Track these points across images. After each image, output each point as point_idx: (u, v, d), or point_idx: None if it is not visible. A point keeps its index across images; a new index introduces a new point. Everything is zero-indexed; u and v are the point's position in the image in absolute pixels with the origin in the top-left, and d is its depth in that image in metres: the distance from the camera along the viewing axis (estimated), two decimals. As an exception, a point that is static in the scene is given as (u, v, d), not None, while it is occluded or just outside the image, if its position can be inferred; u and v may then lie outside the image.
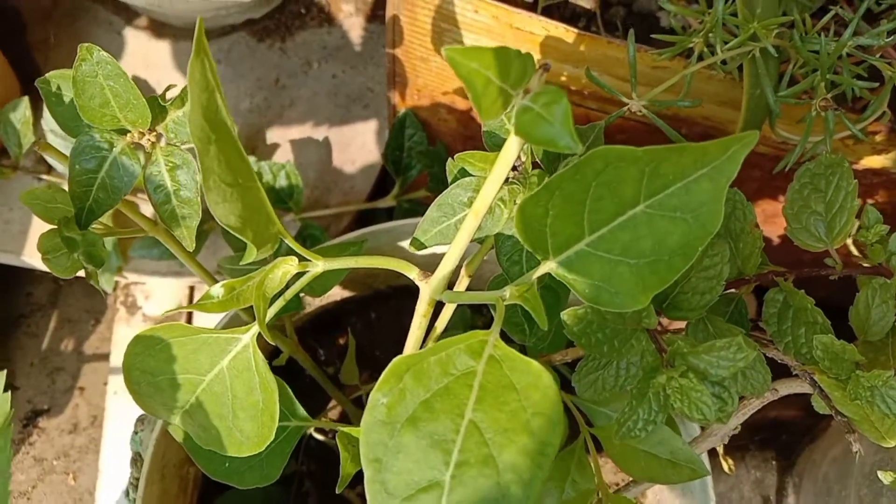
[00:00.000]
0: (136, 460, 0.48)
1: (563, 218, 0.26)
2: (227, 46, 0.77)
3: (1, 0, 0.77)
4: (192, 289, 0.81)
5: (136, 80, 0.76)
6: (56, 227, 0.36)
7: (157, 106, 0.33)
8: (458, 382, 0.25)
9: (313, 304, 0.60)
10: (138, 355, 0.29)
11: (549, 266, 0.27)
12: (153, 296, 0.81)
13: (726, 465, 0.56)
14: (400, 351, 0.61)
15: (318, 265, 0.30)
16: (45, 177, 0.72)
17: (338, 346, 0.62)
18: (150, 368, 0.30)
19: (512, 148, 0.25)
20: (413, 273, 0.32)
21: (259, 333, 0.30)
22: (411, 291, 0.63)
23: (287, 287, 0.31)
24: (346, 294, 0.61)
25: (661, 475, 0.38)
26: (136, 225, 0.38)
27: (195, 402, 0.30)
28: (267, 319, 0.30)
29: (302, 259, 0.30)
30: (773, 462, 0.62)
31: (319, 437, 0.56)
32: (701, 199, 0.25)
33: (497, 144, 0.34)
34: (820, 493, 0.52)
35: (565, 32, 0.50)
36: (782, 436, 0.65)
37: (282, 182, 0.68)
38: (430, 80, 0.61)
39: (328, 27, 0.79)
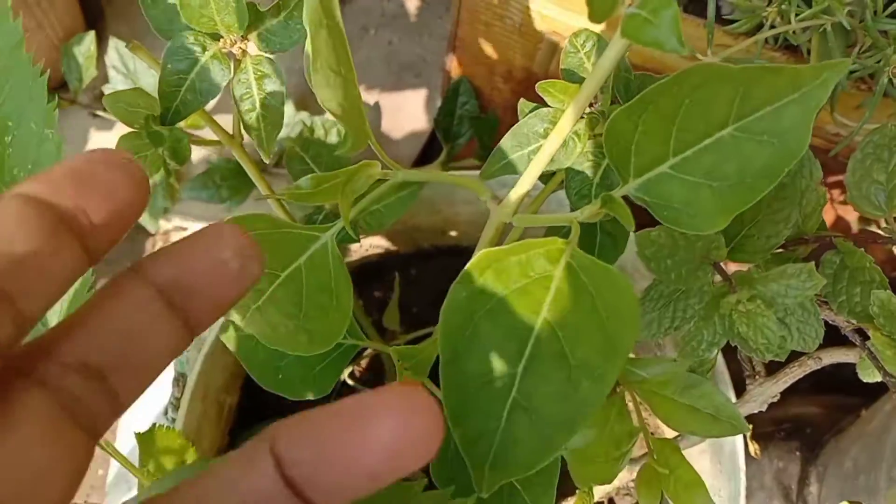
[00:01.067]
0: (179, 380, 0.49)
1: (651, 136, 0.27)
2: (287, 5, 0.78)
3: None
4: (230, 240, 0.82)
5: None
6: (135, 130, 0.37)
7: (254, 13, 0.34)
8: (536, 284, 0.26)
9: (356, 253, 0.61)
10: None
11: (627, 189, 0.28)
12: (192, 244, 0.82)
13: (753, 448, 0.56)
14: (438, 308, 0.62)
15: (399, 174, 0.31)
16: (100, 113, 0.74)
17: (376, 300, 0.62)
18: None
19: (608, 61, 0.26)
20: (486, 195, 0.32)
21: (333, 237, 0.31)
22: (454, 252, 0.64)
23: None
24: (390, 248, 0.62)
25: (702, 429, 0.38)
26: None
27: (268, 299, 0.31)
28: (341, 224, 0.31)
29: (383, 168, 0.31)
30: (797, 453, 0.62)
31: (351, 382, 0.57)
32: (789, 124, 0.25)
33: (577, 81, 0.35)
34: (847, 478, 0.53)
35: (634, 2, 0.51)
36: (806, 429, 0.65)
37: (332, 139, 0.70)
38: (491, 47, 0.62)
39: (385, -9, 0.80)
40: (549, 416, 0.24)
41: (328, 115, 0.78)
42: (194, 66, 0.34)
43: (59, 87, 0.75)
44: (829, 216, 0.68)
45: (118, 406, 0.17)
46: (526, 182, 0.30)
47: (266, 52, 0.35)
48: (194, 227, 0.79)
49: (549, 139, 0.29)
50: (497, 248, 0.26)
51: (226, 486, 0.15)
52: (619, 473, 0.35)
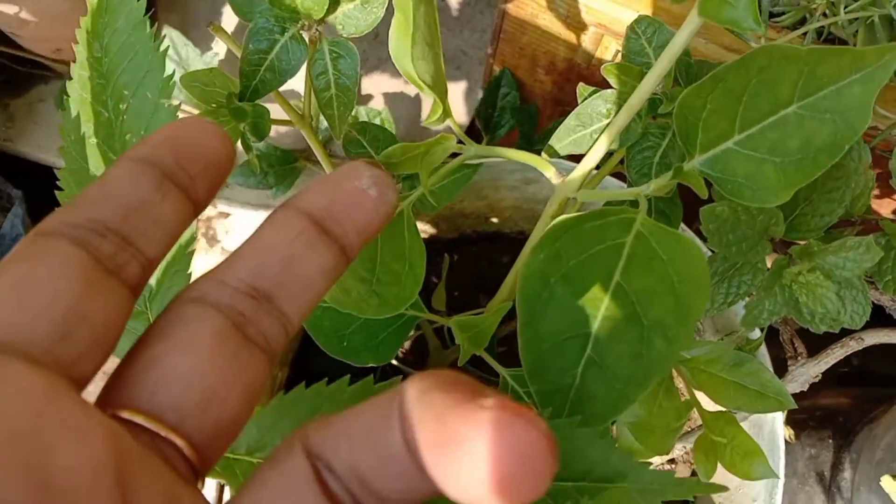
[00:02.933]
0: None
1: (718, 113, 0.28)
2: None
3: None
4: (272, 226, 0.84)
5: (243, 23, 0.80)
6: (210, 108, 0.39)
7: (332, -4, 0.36)
8: (609, 250, 0.27)
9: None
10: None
11: (693, 164, 0.30)
12: (233, 230, 0.85)
13: (787, 433, 0.57)
14: (479, 292, 0.63)
15: (472, 149, 0.33)
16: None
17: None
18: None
19: (681, 39, 0.27)
20: (550, 171, 0.34)
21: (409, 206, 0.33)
22: (495, 238, 0.65)
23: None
24: (434, 233, 0.64)
25: (749, 404, 0.40)
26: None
27: (343, 264, 0.33)
28: (415, 195, 0.33)
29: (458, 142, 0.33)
30: (830, 440, 0.64)
31: (395, 362, 0.59)
32: (851, 102, 0.27)
33: (638, 64, 0.36)
34: (880, 464, 0.54)
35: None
36: (839, 418, 0.66)
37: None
38: (535, 38, 0.64)
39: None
40: (623, 373, 0.26)
41: (371, 105, 0.80)
42: (274, 46, 0.36)
43: (111, 75, 0.77)
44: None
45: (289, 326, 0.18)
46: (592, 158, 0.32)
47: (342, 33, 0.37)
48: (238, 212, 0.82)
49: (617, 118, 0.30)
50: (572, 215, 0.27)
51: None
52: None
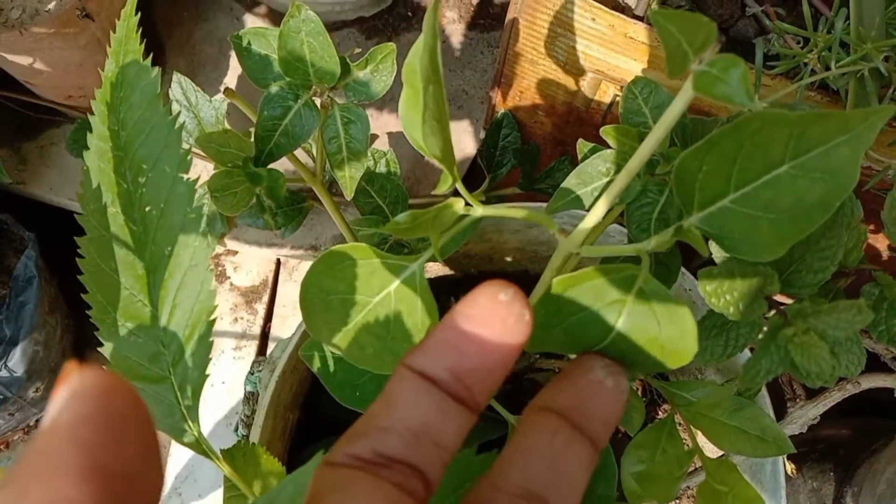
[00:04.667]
0: (249, 399, 0.52)
1: (714, 174, 0.30)
2: (337, 41, 0.82)
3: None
4: (278, 262, 0.86)
5: (251, 64, 0.82)
6: (226, 169, 0.41)
7: (343, 65, 0.37)
8: (609, 306, 0.29)
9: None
10: (319, 273, 0.34)
11: (690, 221, 0.31)
12: (242, 267, 0.86)
13: (789, 467, 0.58)
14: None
15: (478, 210, 0.34)
16: (161, 144, 0.78)
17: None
18: (326, 287, 0.34)
19: (677, 108, 0.29)
20: (554, 227, 0.36)
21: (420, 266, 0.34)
22: (499, 277, 0.67)
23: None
24: (440, 273, 0.65)
25: (750, 449, 0.41)
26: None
27: (359, 322, 0.34)
28: (426, 257, 0.34)
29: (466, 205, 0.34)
30: (831, 473, 0.64)
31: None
32: (839, 162, 0.28)
33: (635, 124, 0.38)
34: (882, 498, 0.55)
35: (676, 44, 0.54)
36: (840, 451, 0.67)
37: (381, 168, 0.73)
38: (535, 82, 0.66)
39: (431, 31, 0.84)
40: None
41: (377, 144, 0.82)
42: (288, 112, 0.37)
43: (121, 119, 0.79)
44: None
45: None
46: (594, 216, 0.33)
47: (353, 100, 0.38)
48: (246, 250, 0.83)
49: (617, 179, 0.32)
50: (574, 273, 0.29)
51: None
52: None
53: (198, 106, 0.73)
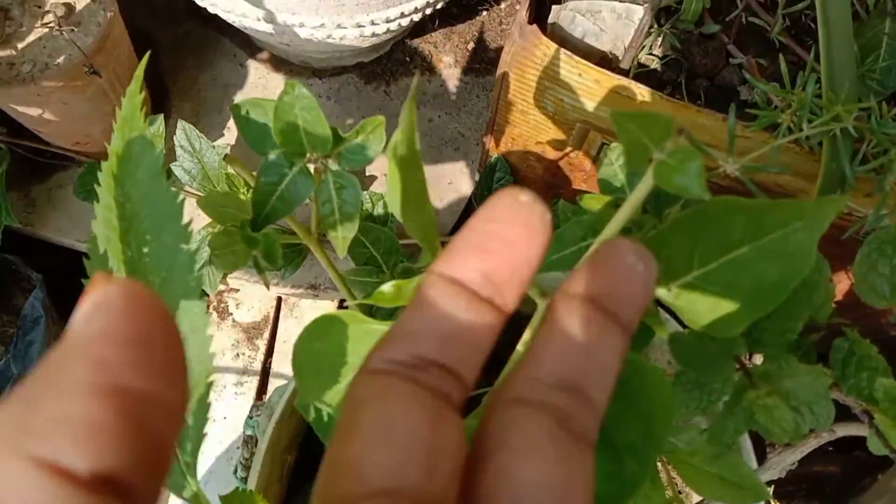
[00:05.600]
0: (248, 442, 0.54)
1: (677, 253, 0.32)
2: (337, 86, 0.85)
3: (140, 29, 0.86)
4: (279, 299, 0.88)
5: (253, 108, 0.84)
6: (224, 227, 0.43)
7: (335, 136, 0.39)
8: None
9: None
10: (310, 337, 0.36)
11: (659, 294, 0.33)
12: (244, 304, 0.88)
13: (775, 507, 0.60)
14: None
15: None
16: (166, 187, 0.80)
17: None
18: (317, 350, 0.36)
19: (641, 192, 0.31)
20: (534, 290, 0.37)
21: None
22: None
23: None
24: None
25: (728, 496, 0.43)
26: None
27: (349, 382, 0.36)
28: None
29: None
30: (819, 512, 0.66)
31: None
32: (795, 247, 0.30)
33: (610, 190, 0.40)
34: (865, 540, 0.56)
35: (659, 99, 0.56)
36: (826, 488, 0.68)
37: (379, 210, 0.75)
38: (526, 130, 0.68)
39: (429, 75, 0.87)
40: (601, 492, 0.29)
41: (374, 186, 0.84)
42: (283, 179, 0.39)
43: (127, 162, 0.81)
44: (843, 284, 0.72)
45: (599, 415, 0.18)
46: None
47: (344, 167, 0.40)
48: (247, 287, 0.85)
49: (594, 244, 0.34)
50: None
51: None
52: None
53: (201, 151, 0.75)
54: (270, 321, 0.87)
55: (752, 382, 0.33)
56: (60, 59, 0.64)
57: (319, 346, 0.36)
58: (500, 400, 0.18)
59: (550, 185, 0.74)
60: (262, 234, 0.39)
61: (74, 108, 0.68)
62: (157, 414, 0.14)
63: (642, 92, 0.57)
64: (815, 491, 0.67)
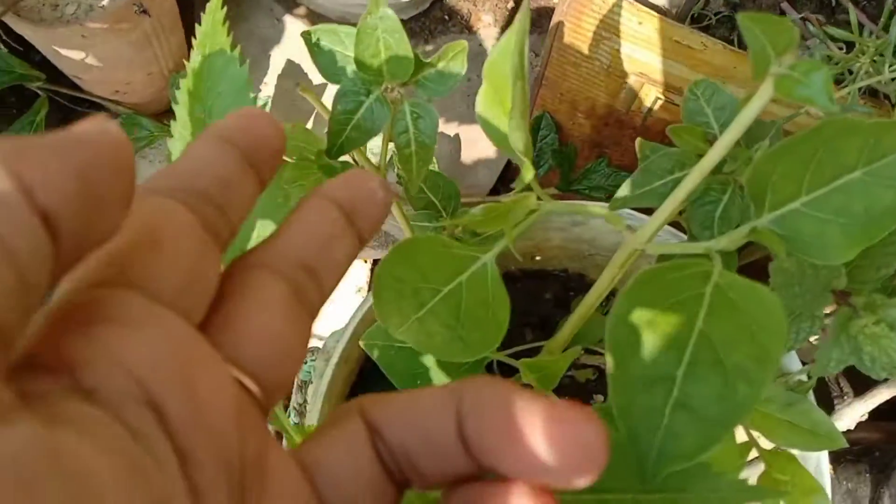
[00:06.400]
0: (302, 387, 0.53)
1: (787, 177, 0.31)
2: (375, 41, 0.84)
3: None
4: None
5: (291, 63, 0.83)
6: (294, 160, 0.42)
7: (416, 62, 0.38)
8: (690, 300, 0.30)
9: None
10: (392, 263, 0.35)
11: (761, 222, 0.32)
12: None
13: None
14: (524, 327, 0.65)
15: (547, 205, 0.35)
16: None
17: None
18: (399, 275, 0.35)
19: (750, 113, 0.30)
20: (621, 225, 0.37)
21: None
22: (538, 276, 0.68)
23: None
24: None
25: (801, 443, 0.42)
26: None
27: (429, 311, 0.35)
28: (500, 249, 0.35)
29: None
30: (867, 475, 0.65)
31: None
32: (913, 170, 0.29)
33: (697, 124, 0.39)
34: (921, 499, 0.55)
35: (722, 49, 0.55)
36: (875, 452, 0.67)
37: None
38: (576, 84, 0.67)
39: (467, 34, 0.85)
40: (709, 414, 0.28)
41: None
42: (360, 107, 0.38)
43: (164, 113, 0.80)
44: None
45: (323, 298, 0.20)
46: (662, 214, 0.34)
47: (423, 96, 0.39)
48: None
49: (688, 179, 0.33)
50: (654, 266, 0.30)
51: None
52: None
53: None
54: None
55: (857, 312, 0.32)
56: (105, 1, 0.63)
57: (401, 271, 0.35)
58: (243, 263, 0.19)
59: (596, 144, 0.73)
60: (341, 163, 0.38)
61: (117, 52, 0.67)
62: (108, 171, 0.14)
63: (704, 41, 0.56)
64: (863, 455, 0.66)
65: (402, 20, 0.84)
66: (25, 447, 0.12)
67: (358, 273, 0.89)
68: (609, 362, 0.29)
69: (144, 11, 0.60)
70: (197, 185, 0.18)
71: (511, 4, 0.87)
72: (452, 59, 0.38)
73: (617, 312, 0.29)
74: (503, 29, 0.86)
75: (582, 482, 0.16)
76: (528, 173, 0.31)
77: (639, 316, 0.29)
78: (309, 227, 0.20)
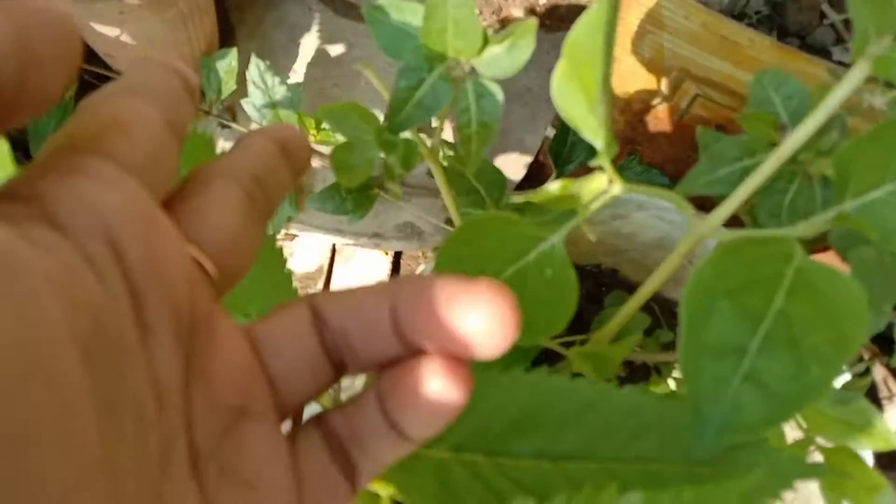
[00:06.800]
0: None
1: (871, 164, 0.30)
2: (405, 32, 0.83)
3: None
4: (333, 248, 0.86)
5: (321, 51, 0.82)
6: (346, 140, 0.41)
7: (483, 39, 0.38)
8: (771, 278, 0.29)
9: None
10: (456, 242, 0.34)
11: (841, 208, 0.31)
12: (297, 254, 0.86)
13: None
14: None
15: (616, 187, 0.34)
16: (230, 124, 0.78)
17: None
18: (462, 255, 0.34)
19: (837, 99, 0.29)
20: (689, 210, 0.36)
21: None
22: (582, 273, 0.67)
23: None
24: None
25: (856, 441, 0.41)
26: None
27: (493, 291, 0.34)
28: (567, 230, 0.34)
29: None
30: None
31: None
32: None
33: (766, 112, 0.38)
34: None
35: (769, 45, 0.55)
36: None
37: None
38: (615, 79, 0.66)
39: (499, 31, 0.85)
40: (778, 391, 0.27)
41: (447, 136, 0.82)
42: (422, 83, 0.38)
43: (191, 98, 0.79)
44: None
45: (271, 208, 0.23)
46: (735, 200, 0.34)
47: (486, 74, 0.39)
48: (305, 236, 0.84)
49: (764, 166, 0.32)
50: (736, 240, 0.29)
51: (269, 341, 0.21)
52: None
53: (273, 88, 0.74)
54: (325, 271, 0.86)
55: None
56: (143, -22, 0.62)
57: (466, 251, 0.34)
58: (203, 171, 0.21)
59: (629, 140, 0.73)
60: (403, 139, 0.37)
61: (151, 30, 0.66)
62: (47, 30, 0.16)
63: (752, 37, 0.55)
64: None
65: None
66: None
67: (379, 265, 0.89)
68: (682, 327, 0.28)
69: (186, -12, 0.59)
70: (246, 164, 0.22)
71: (543, 1, 0.86)
72: (520, 36, 0.37)
73: (696, 279, 0.29)
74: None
75: (495, 348, 0.18)
76: (606, 154, 0.30)
77: (717, 286, 0.29)
78: (256, 150, 0.23)
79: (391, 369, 0.20)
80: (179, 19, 0.67)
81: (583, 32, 0.31)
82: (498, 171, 0.50)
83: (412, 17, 0.39)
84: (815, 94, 0.38)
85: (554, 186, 0.32)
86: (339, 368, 0.21)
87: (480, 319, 0.18)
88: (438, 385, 0.19)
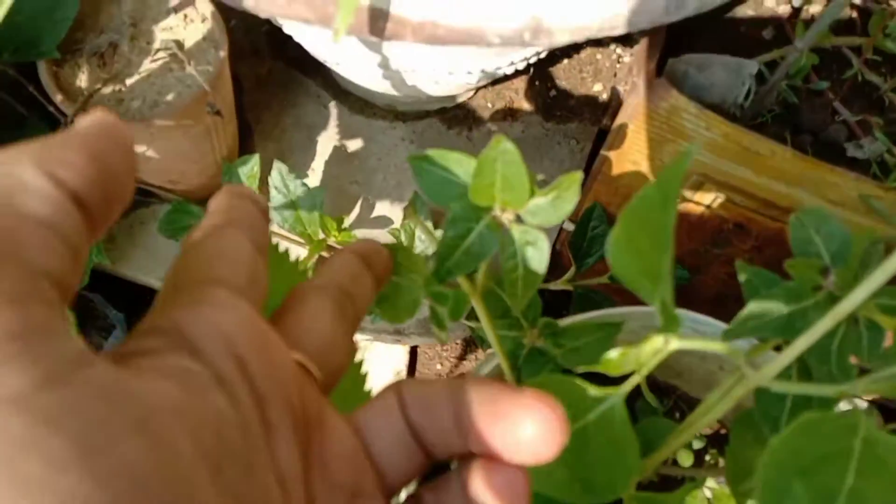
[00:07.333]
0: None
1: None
2: (420, 129, 0.84)
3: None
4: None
5: (338, 148, 0.83)
6: (393, 282, 0.42)
7: (529, 192, 0.38)
8: (840, 452, 0.29)
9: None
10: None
11: (897, 366, 0.32)
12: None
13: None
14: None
15: (674, 343, 0.35)
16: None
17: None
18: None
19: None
20: (741, 359, 0.36)
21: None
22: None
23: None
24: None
25: None
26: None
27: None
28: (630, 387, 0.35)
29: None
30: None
31: None
32: None
33: (808, 254, 0.39)
34: None
35: (792, 157, 0.56)
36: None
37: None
38: (635, 181, 0.67)
39: (510, 121, 0.86)
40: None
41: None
42: (470, 232, 0.38)
43: (210, 201, 0.80)
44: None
45: (359, 316, 0.28)
46: (792, 353, 0.34)
47: (531, 223, 0.39)
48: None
49: (823, 321, 0.32)
50: (814, 417, 0.29)
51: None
52: None
53: (295, 192, 0.74)
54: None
55: None
56: (170, 97, 0.63)
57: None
58: (299, 289, 0.26)
59: (648, 237, 0.73)
60: (454, 292, 0.38)
61: (178, 146, 0.67)
62: (116, 152, 0.18)
63: (773, 147, 0.56)
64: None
65: (445, 108, 0.86)
66: (102, 380, 0.15)
67: (398, 357, 0.89)
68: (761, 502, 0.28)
69: (218, 112, 0.60)
70: (335, 278, 0.27)
71: (553, 93, 0.88)
72: (565, 189, 0.38)
73: (770, 458, 0.29)
74: (545, 117, 0.87)
75: (547, 455, 0.22)
76: (666, 325, 0.30)
77: (792, 462, 0.29)
78: (342, 266, 0.27)
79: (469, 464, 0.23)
80: (205, 133, 0.68)
81: (639, 205, 0.32)
82: (534, 293, 0.51)
83: (456, 166, 0.40)
84: (857, 238, 0.38)
85: (614, 354, 0.33)
86: (428, 452, 0.24)
87: (536, 434, 0.22)
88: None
